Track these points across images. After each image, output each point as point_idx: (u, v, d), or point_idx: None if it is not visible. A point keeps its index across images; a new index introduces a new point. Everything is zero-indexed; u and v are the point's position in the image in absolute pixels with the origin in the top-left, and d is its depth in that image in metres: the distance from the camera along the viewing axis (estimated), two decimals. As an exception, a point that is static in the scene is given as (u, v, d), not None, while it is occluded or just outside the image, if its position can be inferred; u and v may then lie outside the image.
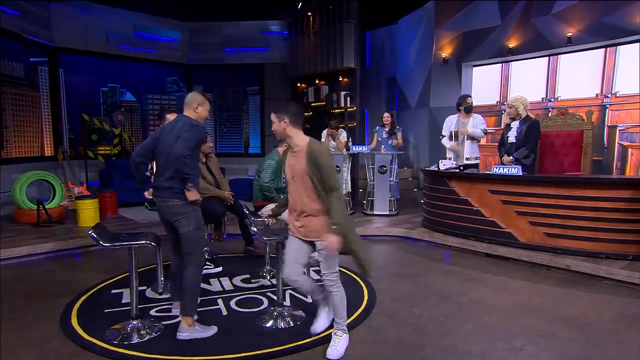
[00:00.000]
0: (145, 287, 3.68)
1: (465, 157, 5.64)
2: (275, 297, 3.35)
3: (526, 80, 7.38)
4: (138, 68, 9.77)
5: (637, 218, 4.01)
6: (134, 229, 5.73)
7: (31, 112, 7.47)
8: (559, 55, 6.95)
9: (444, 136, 5.90)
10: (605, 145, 6.55)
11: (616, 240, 4.06)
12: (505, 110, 7.62)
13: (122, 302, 3.45)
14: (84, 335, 2.85)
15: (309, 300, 3.48)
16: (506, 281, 3.96)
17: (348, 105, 8.17)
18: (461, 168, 5.23)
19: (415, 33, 8.68)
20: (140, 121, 12.00)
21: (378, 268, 4.47)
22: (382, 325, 3.04)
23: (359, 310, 3.24)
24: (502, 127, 7.59)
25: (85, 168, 7.79)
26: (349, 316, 3.07)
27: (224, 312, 3.28)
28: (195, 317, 2.92)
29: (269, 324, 3.01)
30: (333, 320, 2.69)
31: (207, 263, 4.30)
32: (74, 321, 3.08)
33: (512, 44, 7.12)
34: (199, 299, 3.44)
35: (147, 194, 3.25)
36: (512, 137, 5.06)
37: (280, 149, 4.04)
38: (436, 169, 5.38)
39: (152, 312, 3.25)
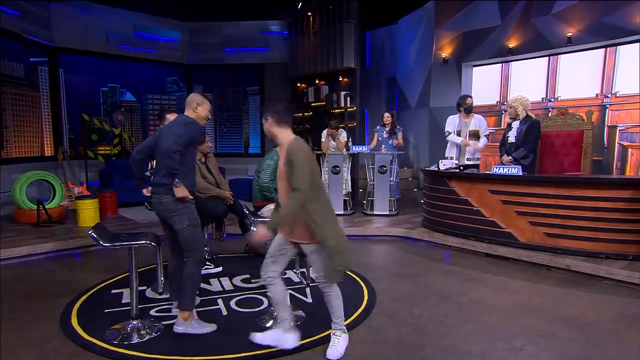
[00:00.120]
0: (145, 287, 3.68)
1: (466, 157, 5.63)
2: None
3: (526, 80, 7.38)
4: (138, 68, 9.77)
5: (637, 218, 4.01)
6: (134, 229, 5.72)
7: (31, 112, 7.47)
8: (559, 55, 6.95)
9: (449, 132, 5.77)
10: (605, 145, 6.55)
11: (616, 240, 4.06)
12: (505, 111, 7.65)
13: (122, 302, 3.45)
14: (84, 335, 2.85)
15: (309, 300, 3.49)
16: (506, 281, 3.96)
17: (348, 105, 8.17)
18: (461, 168, 5.23)
19: (415, 33, 8.68)
20: (140, 121, 12.00)
21: (378, 268, 4.47)
22: (382, 325, 3.03)
23: (359, 310, 3.24)
24: (502, 127, 7.62)
25: (85, 168, 7.79)
26: (349, 316, 3.08)
27: (224, 312, 3.28)
28: (196, 316, 2.92)
29: (269, 324, 3.01)
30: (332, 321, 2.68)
31: (207, 263, 4.30)
32: (74, 321, 3.08)
33: (512, 44, 7.12)
34: (199, 299, 3.46)
35: (146, 192, 3.26)
36: (512, 137, 5.07)
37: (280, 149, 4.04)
38: (436, 169, 5.38)
39: (152, 312, 3.25)
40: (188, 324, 2.86)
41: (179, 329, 2.85)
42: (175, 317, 3.00)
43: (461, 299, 3.52)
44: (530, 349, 2.68)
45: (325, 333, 2.79)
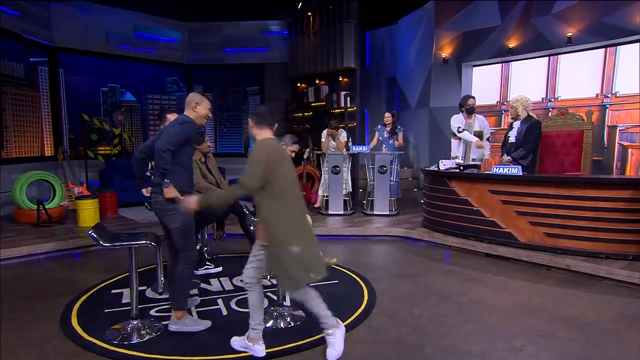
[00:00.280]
0: (145, 287, 3.68)
1: (471, 157, 5.62)
2: (275, 297, 3.36)
3: (526, 80, 7.38)
4: (138, 68, 9.77)
5: (637, 218, 4.01)
6: (134, 229, 5.72)
7: (31, 112, 7.47)
8: (559, 55, 6.96)
9: (463, 129, 5.62)
10: (605, 145, 6.55)
11: (616, 240, 4.06)
12: (505, 111, 7.66)
13: (122, 302, 3.46)
14: (84, 335, 2.85)
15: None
16: (506, 281, 3.96)
17: (348, 105, 8.17)
18: (461, 168, 5.23)
19: (415, 33, 8.68)
20: (140, 121, 11.99)
21: (378, 268, 4.48)
22: (382, 325, 3.03)
23: (359, 310, 3.24)
24: (502, 127, 7.63)
25: (85, 168, 7.79)
26: (349, 316, 3.10)
27: (224, 312, 3.28)
28: (196, 316, 2.92)
29: (269, 324, 3.00)
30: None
31: (207, 263, 4.30)
32: (74, 321, 3.08)
33: (512, 44, 7.12)
34: (199, 299, 3.47)
35: (145, 192, 3.27)
36: (512, 137, 5.06)
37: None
38: (436, 169, 5.38)
39: (152, 312, 3.25)
40: (181, 323, 2.88)
41: (173, 327, 2.89)
42: (175, 317, 3.00)
43: (461, 299, 3.52)
44: (530, 349, 2.68)
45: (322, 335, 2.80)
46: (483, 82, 7.86)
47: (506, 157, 5.01)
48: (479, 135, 5.59)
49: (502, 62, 7.65)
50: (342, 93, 8.26)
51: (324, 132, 6.89)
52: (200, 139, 4.14)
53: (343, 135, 6.92)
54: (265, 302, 2.73)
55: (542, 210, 4.40)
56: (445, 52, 7.95)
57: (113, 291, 3.71)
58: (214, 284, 3.88)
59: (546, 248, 4.36)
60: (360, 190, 8.12)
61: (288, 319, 3.05)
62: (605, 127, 6.56)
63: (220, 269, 4.28)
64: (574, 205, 4.21)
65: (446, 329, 2.97)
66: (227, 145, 10.49)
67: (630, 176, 5.97)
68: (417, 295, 3.62)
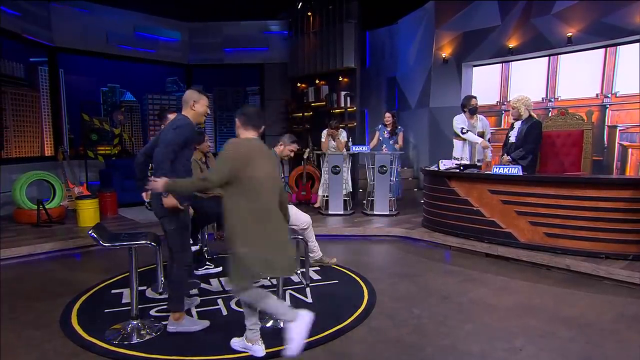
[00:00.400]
0: (145, 287, 3.68)
1: (477, 158, 5.62)
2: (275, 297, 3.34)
3: (526, 80, 7.38)
4: (138, 68, 9.77)
5: (637, 218, 4.01)
6: (134, 229, 5.72)
7: (31, 112, 7.47)
8: (559, 55, 6.95)
9: (467, 130, 5.53)
10: (605, 145, 6.55)
11: (616, 240, 4.06)
12: (505, 111, 7.66)
13: (122, 302, 3.46)
14: (84, 335, 2.85)
15: (309, 300, 3.49)
16: (506, 281, 3.96)
17: (348, 105, 8.17)
18: (461, 168, 5.23)
19: (415, 33, 8.68)
20: (140, 121, 12.00)
21: (378, 268, 4.48)
22: (382, 325, 3.03)
23: (359, 310, 3.24)
24: (502, 127, 7.63)
25: (85, 168, 7.79)
26: (349, 316, 3.10)
27: (224, 312, 3.28)
28: (195, 316, 2.92)
29: (269, 324, 3.01)
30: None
31: (207, 263, 4.30)
32: (74, 321, 3.08)
33: (512, 44, 7.12)
34: (199, 299, 3.46)
35: (146, 197, 3.26)
36: (512, 137, 5.06)
37: (278, 149, 4.04)
38: (436, 169, 5.38)
39: (152, 312, 3.25)
40: (179, 323, 2.89)
41: (171, 328, 2.90)
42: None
43: (461, 299, 3.52)
44: (530, 349, 2.68)
45: (326, 333, 2.80)
46: (483, 82, 7.86)
47: (506, 157, 5.01)
48: (482, 135, 5.59)
49: (502, 62, 7.65)
50: (342, 93, 8.26)
51: (324, 132, 6.89)
52: (199, 139, 4.14)
53: (343, 135, 6.92)
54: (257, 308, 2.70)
55: (542, 210, 4.40)
56: (445, 52, 7.95)
57: (113, 291, 3.71)
58: (214, 284, 3.88)
59: (546, 248, 4.35)
60: (360, 190, 8.12)
61: (288, 319, 3.04)
62: (605, 127, 6.56)
63: (220, 269, 4.28)
64: (574, 205, 4.21)
65: (446, 329, 2.97)
66: (227, 145, 10.47)
67: (630, 176, 5.97)
68: (417, 295, 3.62)
